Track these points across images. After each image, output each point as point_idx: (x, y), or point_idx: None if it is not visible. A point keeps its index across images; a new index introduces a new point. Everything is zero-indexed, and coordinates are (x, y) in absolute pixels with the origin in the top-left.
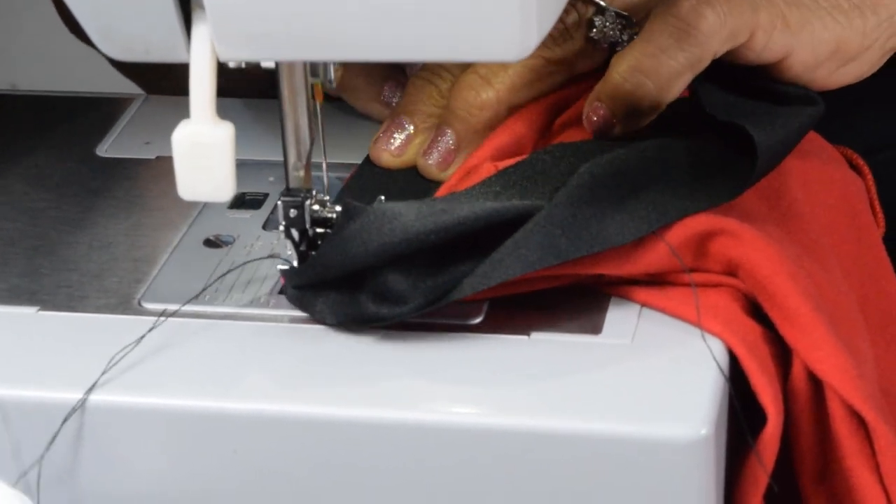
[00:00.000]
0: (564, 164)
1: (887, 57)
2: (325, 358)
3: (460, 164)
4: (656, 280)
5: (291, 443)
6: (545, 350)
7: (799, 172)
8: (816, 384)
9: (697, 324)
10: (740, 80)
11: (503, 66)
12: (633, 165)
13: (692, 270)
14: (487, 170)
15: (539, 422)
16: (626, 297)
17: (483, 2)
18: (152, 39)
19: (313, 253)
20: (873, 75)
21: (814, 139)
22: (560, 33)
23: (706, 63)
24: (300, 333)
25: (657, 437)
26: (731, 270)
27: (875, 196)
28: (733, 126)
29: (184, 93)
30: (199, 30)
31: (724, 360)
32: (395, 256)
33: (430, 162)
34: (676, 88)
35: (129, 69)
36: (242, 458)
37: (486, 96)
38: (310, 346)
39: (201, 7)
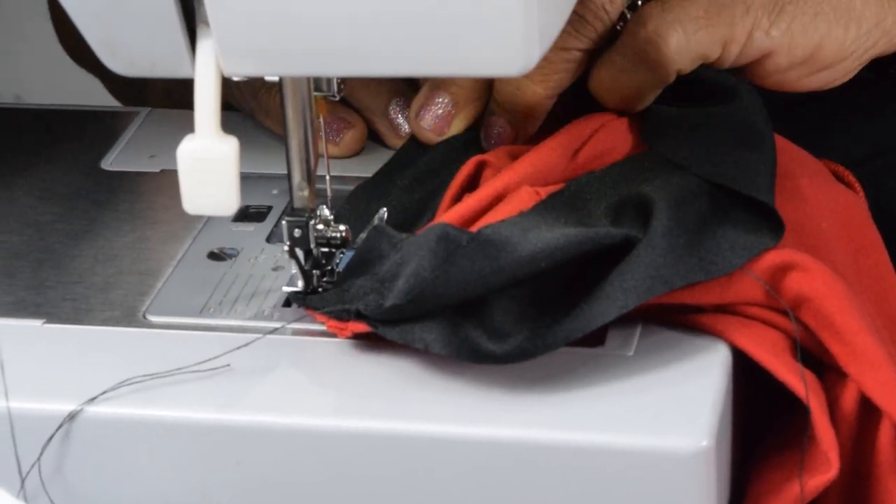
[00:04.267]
0: (613, 191)
1: (862, 66)
2: (328, 370)
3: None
4: (721, 309)
5: (295, 455)
6: (547, 361)
7: (811, 196)
8: (862, 415)
9: (806, 402)
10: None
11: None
12: (692, 198)
13: (757, 304)
14: (528, 194)
15: (540, 433)
16: (703, 328)
17: (486, 17)
18: (157, 54)
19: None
20: (860, 85)
21: (808, 159)
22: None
23: (671, 80)
24: (303, 346)
25: (658, 448)
26: (796, 305)
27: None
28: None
29: (158, 104)
30: (204, 45)
31: (727, 369)
32: (506, 285)
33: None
34: (641, 106)
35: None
36: (246, 470)
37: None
38: (313, 358)
39: (206, 23)
